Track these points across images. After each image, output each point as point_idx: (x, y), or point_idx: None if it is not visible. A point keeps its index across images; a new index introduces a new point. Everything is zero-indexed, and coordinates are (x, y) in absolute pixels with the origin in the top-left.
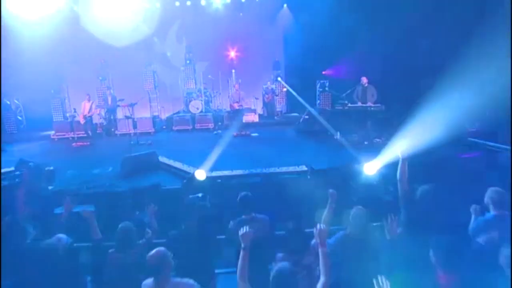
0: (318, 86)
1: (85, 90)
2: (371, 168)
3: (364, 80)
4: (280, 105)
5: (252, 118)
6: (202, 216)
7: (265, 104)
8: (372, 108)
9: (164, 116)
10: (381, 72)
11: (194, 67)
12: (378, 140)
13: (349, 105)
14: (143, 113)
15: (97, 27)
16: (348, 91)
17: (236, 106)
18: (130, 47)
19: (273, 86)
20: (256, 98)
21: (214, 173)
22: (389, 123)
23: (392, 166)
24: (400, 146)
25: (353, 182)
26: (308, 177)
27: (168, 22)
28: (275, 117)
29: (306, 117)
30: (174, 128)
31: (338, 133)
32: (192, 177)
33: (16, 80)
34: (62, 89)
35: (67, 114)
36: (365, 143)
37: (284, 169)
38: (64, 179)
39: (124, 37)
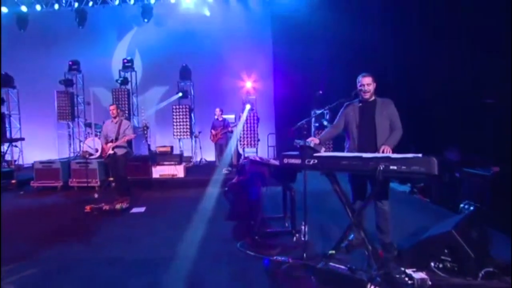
0: (313, 119)
1: None
2: None
3: (368, 82)
4: (246, 147)
5: (171, 171)
6: None
7: (215, 146)
8: (409, 168)
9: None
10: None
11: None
12: (411, 277)
13: (322, 153)
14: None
15: None
16: (327, 108)
17: (110, 149)
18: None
19: (232, 116)
20: (195, 137)
21: None
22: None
23: None
24: None
25: None
26: None
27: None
28: (224, 170)
29: None
30: (33, 184)
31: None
32: None
33: None
34: None
35: None
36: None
37: None
38: None
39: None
